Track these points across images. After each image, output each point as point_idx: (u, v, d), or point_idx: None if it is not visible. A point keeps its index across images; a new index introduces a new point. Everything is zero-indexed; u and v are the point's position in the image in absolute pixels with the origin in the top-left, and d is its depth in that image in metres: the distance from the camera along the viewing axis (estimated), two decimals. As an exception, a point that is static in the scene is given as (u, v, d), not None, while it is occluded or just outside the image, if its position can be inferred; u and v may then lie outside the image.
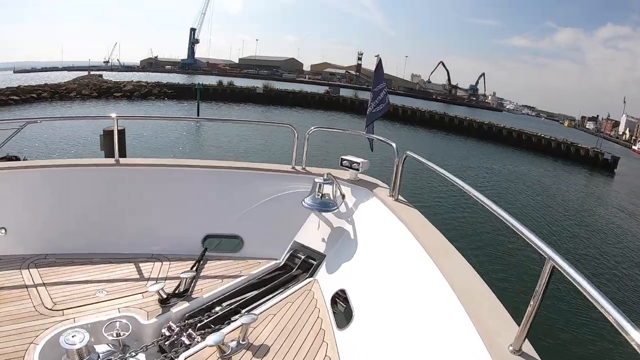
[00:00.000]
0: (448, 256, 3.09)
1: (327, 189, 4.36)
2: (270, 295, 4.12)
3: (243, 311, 3.85)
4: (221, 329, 3.50)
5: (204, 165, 5.01)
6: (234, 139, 29.87)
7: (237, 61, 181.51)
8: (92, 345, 3.16)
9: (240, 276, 4.43)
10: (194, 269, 4.43)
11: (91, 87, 52.24)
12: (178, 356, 3.17)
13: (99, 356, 3.16)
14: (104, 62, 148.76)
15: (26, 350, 3.25)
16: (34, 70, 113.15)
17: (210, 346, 3.05)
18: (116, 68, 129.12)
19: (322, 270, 4.38)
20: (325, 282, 4.21)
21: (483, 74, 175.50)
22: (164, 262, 4.60)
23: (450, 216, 17.95)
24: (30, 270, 4.39)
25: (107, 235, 4.84)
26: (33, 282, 4.20)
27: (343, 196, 4.54)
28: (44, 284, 4.15)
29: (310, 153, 5.07)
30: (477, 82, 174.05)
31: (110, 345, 3.34)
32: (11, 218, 4.74)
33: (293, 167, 5.01)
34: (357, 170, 4.58)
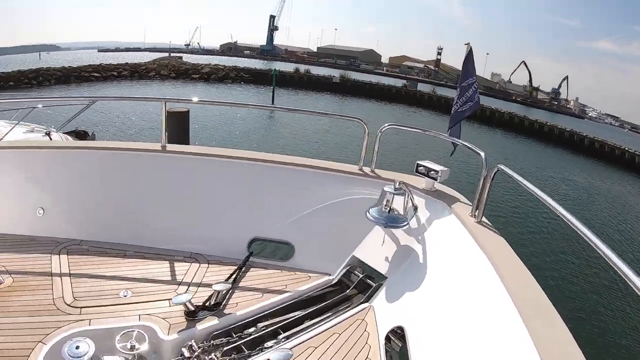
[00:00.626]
0: (539, 312, 2.24)
1: (398, 200, 3.63)
2: (318, 319, 3.53)
3: (281, 336, 3.30)
4: (250, 356, 3.02)
5: (258, 159, 4.44)
6: (301, 130, 28.98)
7: (315, 50, 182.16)
8: (98, 356, 2.88)
9: (286, 291, 3.88)
10: (233, 277, 3.96)
11: (170, 68, 53.92)
12: None
13: None
14: (185, 45, 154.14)
15: (32, 349, 3.05)
16: (117, 50, 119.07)
17: None
18: (196, 51, 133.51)
19: (381, 295, 3.69)
20: (382, 312, 3.53)
21: (566, 77, 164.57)
22: (201, 264, 4.23)
23: (539, 249, 13.32)
24: (61, 256, 4.22)
25: (145, 227, 4.54)
26: (60, 270, 4.00)
27: (415, 208, 3.79)
28: (69, 275, 3.94)
29: (380, 153, 4.34)
30: (559, 86, 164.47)
31: (121, 359, 2.98)
32: (50, 198, 4.60)
33: (360, 169, 4.33)
34: (435, 179, 3.78)
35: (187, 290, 3.80)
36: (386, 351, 3.13)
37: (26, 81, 37.58)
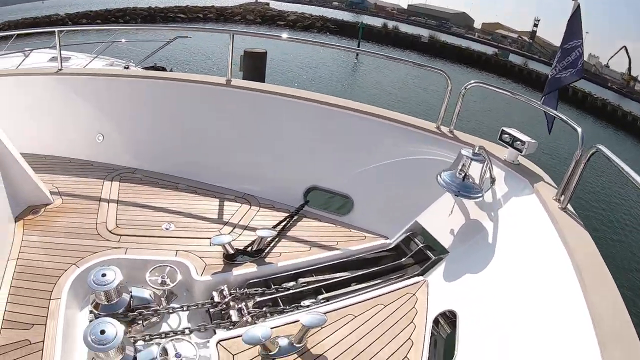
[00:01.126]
0: (619, 337, 1.82)
1: (475, 168, 3.16)
2: (364, 285, 3.26)
3: (321, 297, 3.09)
4: (284, 311, 2.87)
5: (330, 103, 4.10)
6: (381, 80, 27.90)
7: (405, 7, 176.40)
8: (125, 286, 2.92)
9: (336, 248, 3.61)
10: (282, 225, 3.77)
11: (256, 13, 53.99)
12: (209, 333, 2.78)
13: (130, 301, 2.89)
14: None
15: (65, 270, 3.17)
16: None
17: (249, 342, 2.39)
18: None
19: (438, 271, 3.31)
20: (436, 290, 3.16)
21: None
22: (252, 206, 4.09)
23: (629, 255, 11.24)
24: (113, 183, 4.28)
25: (201, 161, 4.47)
26: (109, 196, 4.07)
27: (492, 181, 3.33)
28: (117, 202, 4.00)
29: (461, 115, 3.87)
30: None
31: (149, 292, 3.03)
32: (111, 126, 4.64)
33: (438, 127, 3.88)
34: (520, 151, 3.26)
35: (231, 231, 3.68)
36: (432, 335, 2.80)
37: (113, 20, 39.02)
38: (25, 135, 4.70)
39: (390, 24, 65.15)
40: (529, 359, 2.15)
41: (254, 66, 12.08)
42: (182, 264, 3.24)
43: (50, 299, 2.99)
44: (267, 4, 73.31)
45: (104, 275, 2.79)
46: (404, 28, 66.21)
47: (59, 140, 4.87)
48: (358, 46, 38.18)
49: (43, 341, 2.71)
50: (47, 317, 2.88)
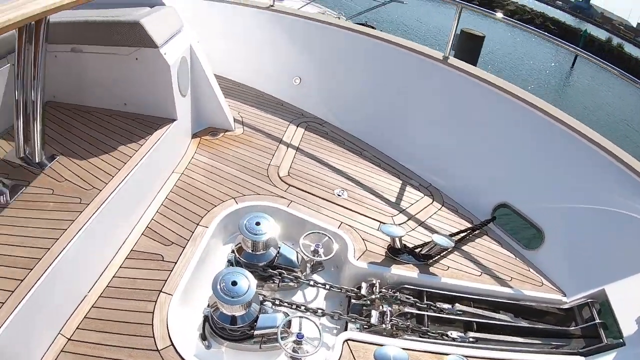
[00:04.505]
0: None
1: None
2: (520, 339, 2.69)
3: (471, 334, 2.63)
4: (426, 332, 2.54)
5: (545, 111, 3.38)
6: (597, 105, 23.39)
7: (634, 25, 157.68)
8: (275, 240, 2.87)
9: (507, 285, 3.05)
10: (461, 235, 3.32)
11: (478, -6, 51.22)
12: (341, 323, 2.66)
13: (275, 257, 2.81)
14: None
15: (223, 202, 3.24)
16: None
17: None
18: None
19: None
20: None
21: None
22: (435, 202, 3.73)
23: None
24: (298, 129, 4.32)
25: (392, 134, 4.24)
26: (290, 142, 4.06)
27: None
28: (296, 150, 3.97)
29: None
30: None
31: (297, 255, 2.93)
32: (311, 72, 4.65)
33: None
34: None
35: (404, 223, 3.36)
36: None
37: None
38: (225, 60, 4.92)
39: (615, 39, 57.73)
40: None
41: (469, 48, 11.47)
42: (342, 239, 3.05)
43: (198, 224, 3.03)
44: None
45: (258, 224, 2.72)
46: (630, 49, 58.56)
47: (256, 72, 4.97)
48: (575, 56, 33.60)
49: (175, 263, 2.74)
50: (188, 240, 2.91)
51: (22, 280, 2.12)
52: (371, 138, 4.31)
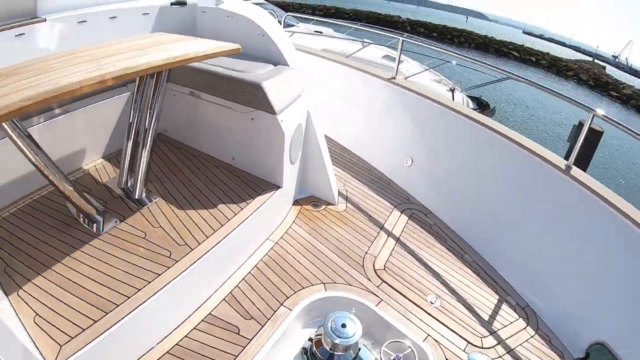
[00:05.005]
0: None
1: None
2: None
3: None
4: None
5: None
6: None
7: None
8: (356, 347, 2.65)
9: None
10: None
11: (590, 74, 48.91)
12: None
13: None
14: (612, 56, 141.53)
15: (312, 285, 3.09)
16: (541, 37, 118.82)
17: None
18: (622, 67, 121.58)
19: None
20: None
21: None
22: (528, 327, 3.27)
23: None
24: (402, 216, 4.12)
25: (495, 239, 3.85)
26: (392, 229, 3.86)
27: None
28: (397, 240, 3.76)
29: None
30: None
31: None
32: (424, 156, 4.43)
33: None
34: None
35: (492, 347, 2.99)
36: None
37: (449, 37, 41.61)
38: (338, 123, 4.91)
39: None
40: None
41: (585, 143, 9.10)
42: (425, 354, 2.69)
43: (282, 304, 2.92)
44: (604, 67, 67.15)
45: (344, 325, 2.59)
46: None
47: (368, 143, 4.84)
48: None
49: (250, 340, 2.65)
50: (269, 319, 2.80)
51: (95, 322, 2.21)
52: (475, 240, 3.98)
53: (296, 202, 3.78)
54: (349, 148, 4.89)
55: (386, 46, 10.35)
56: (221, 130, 3.67)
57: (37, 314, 2.33)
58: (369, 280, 3.25)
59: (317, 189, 3.92)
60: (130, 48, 2.56)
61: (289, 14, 10.96)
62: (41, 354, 2.00)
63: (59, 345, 2.06)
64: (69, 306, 2.33)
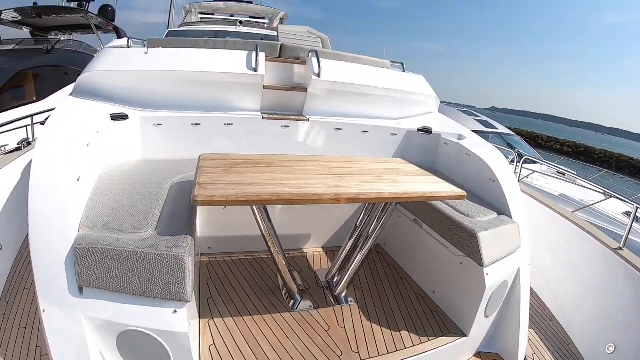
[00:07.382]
0: None
1: None
2: None
3: None
4: None
5: None
6: None
7: None
8: None
9: None
10: None
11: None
12: None
13: None
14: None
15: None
16: None
17: None
18: None
19: None
20: None
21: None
22: None
23: None
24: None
25: None
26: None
27: None
28: None
29: None
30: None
31: None
32: (631, 339, 3.75)
33: None
34: None
35: None
36: None
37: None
38: (543, 278, 4.51)
39: None
40: None
41: None
42: None
43: None
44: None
45: None
46: None
47: (566, 307, 4.31)
48: None
49: None
50: None
51: None
52: None
53: (478, 354, 3.50)
54: (549, 308, 4.38)
55: (631, 200, 9.11)
56: (431, 264, 3.71)
57: (214, 343, 2.78)
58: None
59: (504, 349, 3.52)
60: (369, 172, 2.90)
61: (526, 156, 9.23)
62: None
63: None
64: (240, 351, 2.73)
